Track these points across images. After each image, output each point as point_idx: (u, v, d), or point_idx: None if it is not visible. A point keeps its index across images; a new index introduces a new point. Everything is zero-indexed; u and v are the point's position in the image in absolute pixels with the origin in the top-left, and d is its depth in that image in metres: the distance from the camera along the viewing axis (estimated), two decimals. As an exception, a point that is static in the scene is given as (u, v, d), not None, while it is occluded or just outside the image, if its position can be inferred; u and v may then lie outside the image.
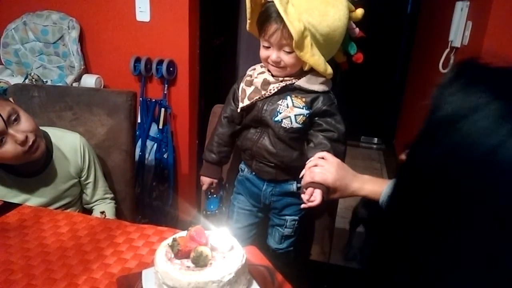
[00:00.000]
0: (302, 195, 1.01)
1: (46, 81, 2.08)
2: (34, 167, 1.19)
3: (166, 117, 2.15)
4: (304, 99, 1.08)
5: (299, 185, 1.16)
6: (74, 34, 2.07)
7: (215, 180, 1.27)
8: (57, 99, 1.44)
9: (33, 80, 1.97)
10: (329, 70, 1.06)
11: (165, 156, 2.18)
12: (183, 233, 0.77)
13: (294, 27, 0.94)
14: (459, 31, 1.90)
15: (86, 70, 2.18)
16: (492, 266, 0.39)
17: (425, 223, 0.43)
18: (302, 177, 1.04)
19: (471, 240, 0.39)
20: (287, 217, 1.24)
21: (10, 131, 1.08)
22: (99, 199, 1.35)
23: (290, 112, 1.08)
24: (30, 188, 1.20)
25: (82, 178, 1.30)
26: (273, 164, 1.15)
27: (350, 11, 1.05)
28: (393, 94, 3.65)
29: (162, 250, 0.74)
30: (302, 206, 1.02)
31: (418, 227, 0.43)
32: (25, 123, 1.11)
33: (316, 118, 1.11)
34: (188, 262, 0.71)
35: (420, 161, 0.43)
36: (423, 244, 0.43)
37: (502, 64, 0.41)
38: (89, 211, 1.35)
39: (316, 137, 1.11)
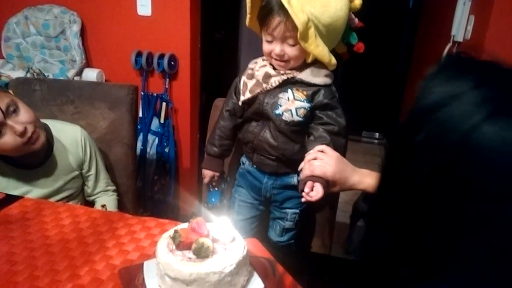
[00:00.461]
0: (303, 188, 1.01)
1: (48, 75, 2.08)
2: (35, 159, 1.19)
3: (168, 111, 2.15)
4: (305, 92, 1.08)
5: (299, 178, 1.17)
6: (76, 28, 2.06)
7: (217, 173, 1.27)
8: (58, 93, 1.44)
9: (35, 74, 1.98)
10: (333, 60, 1.06)
11: (166, 150, 2.18)
12: (184, 225, 0.78)
13: (299, 18, 0.94)
14: (461, 25, 1.89)
15: (88, 64, 2.18)
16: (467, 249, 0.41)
17: (409, 209, 0.44)
18: (301, 170, 1.05)
19: (449, 222, 0.41)
20: (288, 210, 1.24)
21: (9, 122, 1.08)
22: (101, 191, 1.35)
23: (291, 105, 1.08)
24: (31, 180, 1.20)
25: (84, 171, 1.30)
26: (274, 157, 1.16)
27: (350, 1, 1.05)
28: (394, 89, 3.64)
29: (164, 242, 0.74)
30: (303, 200, 1.02)
31: (403, 214, 0.45)
32: (24, 115, 1.11)
33: (317, 112, 1.11)
34: (189, 254, 0.71)
35: (403, 149, 0.45)
36: (408, 230, 0.45)
37: (486, 58, 0.43)
38: (92, 204, 1.35)
39: (317, 130, 1.11)
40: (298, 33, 0.96)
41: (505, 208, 0.38)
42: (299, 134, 1.13)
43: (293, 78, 1.09)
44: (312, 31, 0.98)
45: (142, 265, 0.78)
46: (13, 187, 1.18)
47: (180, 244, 0.72)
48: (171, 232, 0.75)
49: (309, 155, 1.04)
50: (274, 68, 1.11)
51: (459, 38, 1.90)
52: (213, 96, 1.44)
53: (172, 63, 2.07)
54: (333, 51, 1.09)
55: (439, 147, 0.40)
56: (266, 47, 1.07)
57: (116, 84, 1.53)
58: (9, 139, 1.08)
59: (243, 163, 1.27)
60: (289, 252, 1.22)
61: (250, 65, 1.18)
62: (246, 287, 0.74)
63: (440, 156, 0.40)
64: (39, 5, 2.09)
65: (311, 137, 1.12)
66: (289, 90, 1.09)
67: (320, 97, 1.09)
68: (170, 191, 2.25)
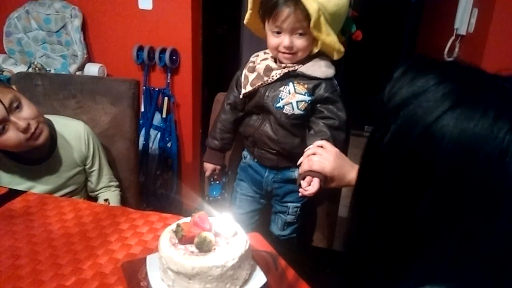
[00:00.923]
0: (302, 182, 1.01)
1: (49, 70, 2.08)
2: (38, 155, 1.20)
3: (170, 106, 2.15)
4: (306, 86, 1.08)
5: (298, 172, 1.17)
6: (77, 22, 2.06)
7: (218, 167, 1.27)
8: (60, 88, 1.44)
9: (36, 69, 1.97)
10: (342, 48, 1.07)
11: (168, 145, 2.18)
12: (187, 219, 0.78)
13: (312, 7, 0.95)
14: (464, 18, 1.87)
15: (89, 58, 2.18)
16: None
17: (383, 202, 0.47)
18: (300, 164, 1.05)
19: (418, 209, 0.43)
20: (289, 204, 1.25)
21: (12, 118, 1.08)
22: (104, 187, 1.35)
23: (292, 98, 1.08)
24: (35, 175, 1.20)
25: (87, 166, 1.30)
26: (274, 151, 1.16)
27: None
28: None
29: (166, 236, 0.74)
30: (299, 194, 1.02)
31: (379, 205, 0.48)
32: (27, 110, 1.11)
33: (318, 105, 1.11)
34: (192, 247, 0.71)
35: (376, 147, 0.47)
36: (385, 219, 0.48)
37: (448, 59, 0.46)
38: (95, 199, 1.35)
39: (317, 125, 1.11)
40: (312, 22, 0.97)
41: (464, 195, 0.41)
42: (300, 127, 1.13)
43: (294, 71, 1.08)
44: (323, 19, 0.99)
45: (145, 259, 0.78)
46: (16, 182, 1.18)
47: (183, 238, 0.72)
48: (173, 226, 0.75)
49: (308, 150, 1.04)
50: (275, 61, 1.11)
51: (462, 32, 1.89)
52: (215, 91, 1.43)
53: (174, 57, 2.07)
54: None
55: (406, 142, 0.43)
56: (273, 40, 1.07)
57: (118, 79, 1.53)
58: (12, 135, 1.09)
59: (244, 157, 1.28)
60: (291, 246, 1.22)
61: (252, 58, 1.18)
62: (248, 281, 0.74)
63: (406, 151, 0.43)
64: (40, -1, 2.08)
65: (311, 131, 1.12)
66: (290, 83, 1.08)
67: (321, 91, 1.08)
68: (173, 185, 2.25)
